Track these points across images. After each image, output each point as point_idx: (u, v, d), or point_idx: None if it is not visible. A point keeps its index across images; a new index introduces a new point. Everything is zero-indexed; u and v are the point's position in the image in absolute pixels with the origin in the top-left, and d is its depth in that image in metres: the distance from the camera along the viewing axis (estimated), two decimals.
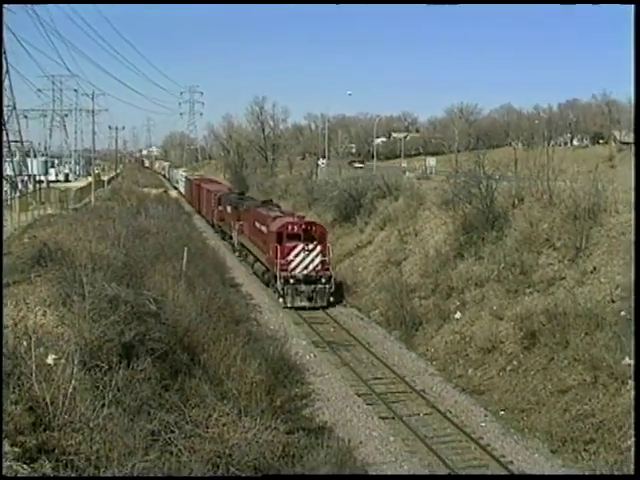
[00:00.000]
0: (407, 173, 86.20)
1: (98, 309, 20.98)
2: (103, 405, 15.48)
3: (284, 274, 46.14)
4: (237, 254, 65.17)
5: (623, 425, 24.62)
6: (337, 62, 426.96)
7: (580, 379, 28.14)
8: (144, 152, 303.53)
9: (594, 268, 34.33)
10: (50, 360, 16.31)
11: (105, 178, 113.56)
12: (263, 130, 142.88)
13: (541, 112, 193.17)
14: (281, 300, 46.61)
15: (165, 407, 17.70)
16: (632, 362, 27.08)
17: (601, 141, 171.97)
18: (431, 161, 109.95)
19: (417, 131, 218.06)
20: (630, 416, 24.56)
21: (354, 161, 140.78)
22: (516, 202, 44.36)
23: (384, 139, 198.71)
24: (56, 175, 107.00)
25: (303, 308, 45.93)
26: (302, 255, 46.57)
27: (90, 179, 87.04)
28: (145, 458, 14.24)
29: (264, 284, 52.20)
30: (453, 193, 49.04)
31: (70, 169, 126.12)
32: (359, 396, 31.05)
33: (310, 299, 46.09)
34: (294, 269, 46.55)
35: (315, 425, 25.82)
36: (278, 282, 46.49)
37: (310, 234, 47.83)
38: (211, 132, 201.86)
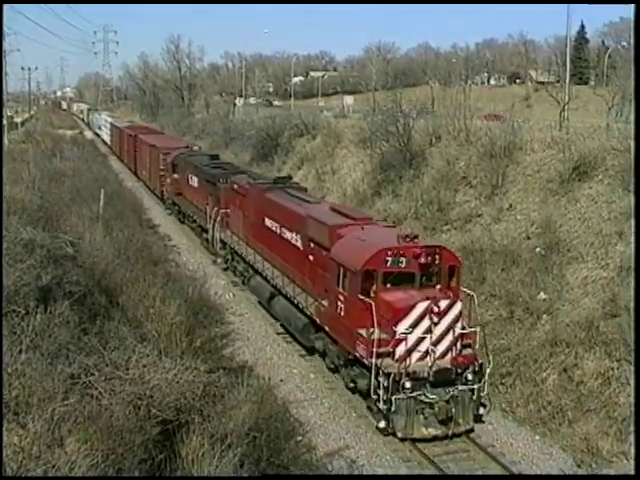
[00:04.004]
0: (325, 112, 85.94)
1: (13, 253, 20.58)
2: (20, 351, 15.27)
3: (390, 369, 21.58)
4: (219, 259, 42.34)
5: (538, 358, 25.29)
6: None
7: (497, 314, 28.70)
8: (58, 93, 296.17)
9: (510, 205, 34.92)
10: None
11: (18, 120, 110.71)
12: (179, 69, 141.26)
13: (458, 51, 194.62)
14: (382, 424, 22.19)
15: (84, 350, 17.51)
16: (545, 296, 27.79)
17: (518, 81, 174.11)
18: (349, 100, 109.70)
19: (335, 70, 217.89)
20: (544, 350, 25.26)
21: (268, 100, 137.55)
22: (433, 140, 44.67)
23: (301, 78, 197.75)
24: None
25: (432, 439, 22.22)
26: (426, 324, 21.95)
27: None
28: (65, 402, 14.13)
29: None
30: (370, 131, 49.13)
31: None
32: (278, 334, 31.20)
33: (446, 421, 22.08)
34: (409, 358, 21.94)
35: (236, 364, 25.87)
36: (379, 386, 21.76)
37: (432, 271, 23.56)
38: (127, 72, 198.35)
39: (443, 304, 21.95)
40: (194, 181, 47.75)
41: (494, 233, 33.55)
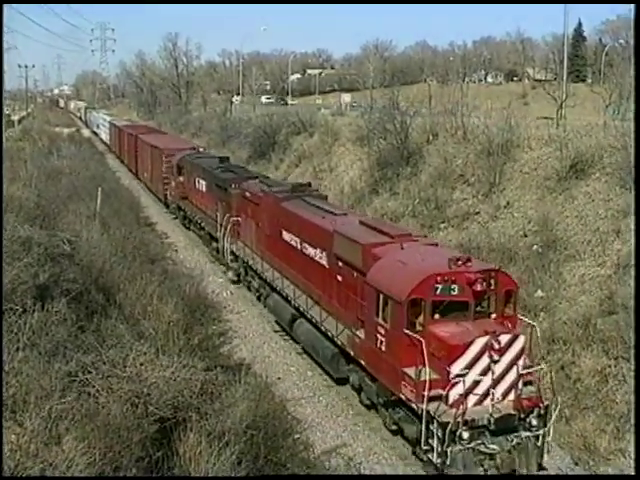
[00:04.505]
0: (322, 109, 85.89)
1: (10, 251, 20.56)
2: (18, 349, 15.27)
3: (444, 418, 18.60)
4: (230, 273, 38.84)
5: (535, 356, 25.28)
6: None
7: None
8: (55, 91, 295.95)
9: (507, 203, 34.93)
10: None
11: (15, 118, 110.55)
12: (176, 67, 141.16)
13: (456, 49, 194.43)
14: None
15: (82, 348, 17.51)
16: (542, 294, 27.83)
17: (515, 78, 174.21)
18: (346, 97, 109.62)
19: (332, 68, 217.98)
20: (541, 347, 25.24)
21: (282, 98, 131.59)
22: (430, 138, 44.67)
23: (299, 76, 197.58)
24: None
25: None
26: (485, 363, 19.11)
27: None
28: (62, 400, 14.12)
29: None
30: (368, 129, 49.14)
31: None
32: (276, 332, 31.20)
33: (507, 468, 19.08)
34: (465, 402, 18.81)
35: (233, 362, 25.87)
36: (431, 435, 18.99)
37: (486, 297, 20.78)
38: (124, 70, 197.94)
39: (504, 339, 19.04)
40: (202, 185, 44.63)
41: (491, 231, 33.56)
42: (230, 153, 66.49)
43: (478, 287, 19.88)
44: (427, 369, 18.86)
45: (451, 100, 46.40)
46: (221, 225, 38.59)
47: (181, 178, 50.44)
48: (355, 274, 23.27)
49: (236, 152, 70.80)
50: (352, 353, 23.27)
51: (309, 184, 36.08)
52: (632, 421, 20.84)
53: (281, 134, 66.47)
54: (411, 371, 19.37)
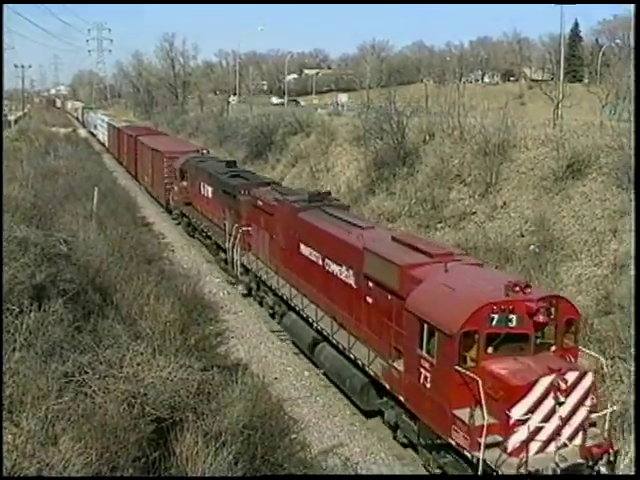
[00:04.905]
0: (319, 109, 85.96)
1: (7, 251, 20.53)
2: (14, 349, 15.25)
3: (504, 468, 16.32)
4: (240, 286, 36.43)
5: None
6: None
7: None
8: (52, 91, 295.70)
9: (504, 203, 34.98)
10: None
11: (12, 118, 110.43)
12: (173, 67, 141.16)
13: (452, 49, 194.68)
14: None
15: (78, 349, 17.48)
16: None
17: (512, 78, 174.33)
18: (343, 97, 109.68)
19: (329, 68, 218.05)
20: None
21: (295, 100, 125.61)
22: (427, 138, 44.74)
23: (295, 76, 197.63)
24: None
25: None
26: (549, 405, 16.73)
27: None
28: (59, 400, 14.11)
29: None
30: (365, 129, 49.17)
31: None
32: (273, 332, 31.19)
33: None
34: (527, 449, 16.46)
35: (230, 362, 25.84)
36: None
37: (547, 328, 18.37)
38: (120, 70, 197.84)
39: (571, 377, 16.67)
40: (207, 191, 42.26)
41: (488, 231, 33.62)
42: (227, 153, 66.54)
43: (540, 318, 17.51)
44: (484, 412, 16.44)
45: (448, 100, 46.40)
46: (230, 235, 36.13)
47: (184, 183, 48.11)
48: (389, 297, 20.96)
49: (233, 152, 70.83)
50: (388, 386, 20.93)
51: (328, 193, 33.38)
52: (632, 420, 20.81)
53: (278, 134, 66.53)
54: (463, 414, 17.03)
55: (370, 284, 22.25)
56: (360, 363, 22.51)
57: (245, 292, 35.70)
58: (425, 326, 18.41)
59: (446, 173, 39.75)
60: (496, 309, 17.41)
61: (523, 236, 31.94)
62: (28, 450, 12.54)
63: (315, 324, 26.17)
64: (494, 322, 17.42)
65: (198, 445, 15.47)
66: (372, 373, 21.85)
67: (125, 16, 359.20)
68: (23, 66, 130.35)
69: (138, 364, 17.21)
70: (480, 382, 16.60)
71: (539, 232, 31.05)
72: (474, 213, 36.04)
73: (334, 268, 25.05)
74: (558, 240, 30.08)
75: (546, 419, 16.60)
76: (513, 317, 17.51)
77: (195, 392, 17.71)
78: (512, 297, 17.63)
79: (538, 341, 17.98)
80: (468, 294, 18.26)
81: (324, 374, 26.30)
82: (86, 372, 16.12)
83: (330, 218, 27.21)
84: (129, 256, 31.40)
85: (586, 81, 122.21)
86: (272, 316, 32.25)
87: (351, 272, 23.67)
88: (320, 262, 26.23)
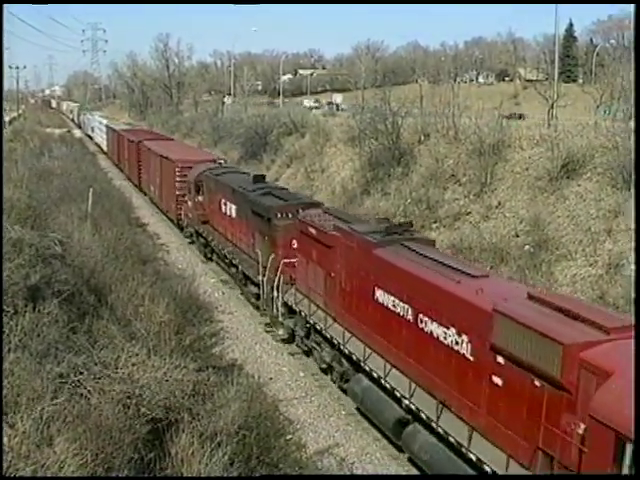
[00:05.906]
0: (313, 110, 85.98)
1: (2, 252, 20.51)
2: (9, 350, 15.23)
3: None
4: (281, 330, 29.97)
5: None
6: None
7: None
8: (47, 92, 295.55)
9: (499, 203, 35.04)
10: None
11: (6, 119, 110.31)
12: (168, 68, 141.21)
13: (447, 49, 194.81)
14: None
15: (73, 349, 17.45)
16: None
17: (506, 78, 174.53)
18: (337, 98, 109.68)
19: (323, 68, 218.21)
20: None
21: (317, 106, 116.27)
22: (422, 138, 44.79)
23: (290, 76, 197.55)
24: None
25: None
26: None
27: None
28: (54, 401, 14.09)
29: None
30: (359, 129, 49.23)
31: None
32: (267, 333, 31.16)
33: None
34: None
35: (225, 363, 25.82)
36: None
37: None
38: (115, 71, 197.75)
39: None
40: (231, 209, 36.04)
41: (483, 231, 33.66)
42: (222, 154, 66.45)
43: None
44: None
45: (442, 100, 46.46)
46: (264, 267, 30.40)
47: (200, 197, 41.71)
48: (537, 383, 14.82)
49: (228, 153, 70.81)
50: None
51: (410, 223, 25.64)
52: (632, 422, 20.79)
53: (272, 135, 66.58)
54: None
55: (501, 360, 16.02)
56: (489, 470, 15.98)
57: (286, 336, 29.70)
58: (627, 447, 12.35)
59: (441, 173, 39.81)
60: None
61: (518, 236, 31.99)
62: (23, 451, 12.52)
63: (404, 399, 19.96)
64: None
65: (193, 446, 15.45)
66: None
67: (120, 17, 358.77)
68: (17, 67, 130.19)
69: (133, 365, 17.20)
70: None
71: (534, 232, 31.10)
72: (469, 213, 36.10)
73: (433, 328, 18.74)
74: (553, 240, 30.13)
75: None
76: None
77: (190, 393, 17.70)
78: None
79: None
80: None
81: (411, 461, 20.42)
82: (81, 373, 16.10)
83: (419, 258, 20.72)
84: (124, 257, 31.38)
85: (581, 81, 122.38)
86: (325, 371, 26.48)
87: (465, 338, 17.44)
88: (410, 317, 19.88)
